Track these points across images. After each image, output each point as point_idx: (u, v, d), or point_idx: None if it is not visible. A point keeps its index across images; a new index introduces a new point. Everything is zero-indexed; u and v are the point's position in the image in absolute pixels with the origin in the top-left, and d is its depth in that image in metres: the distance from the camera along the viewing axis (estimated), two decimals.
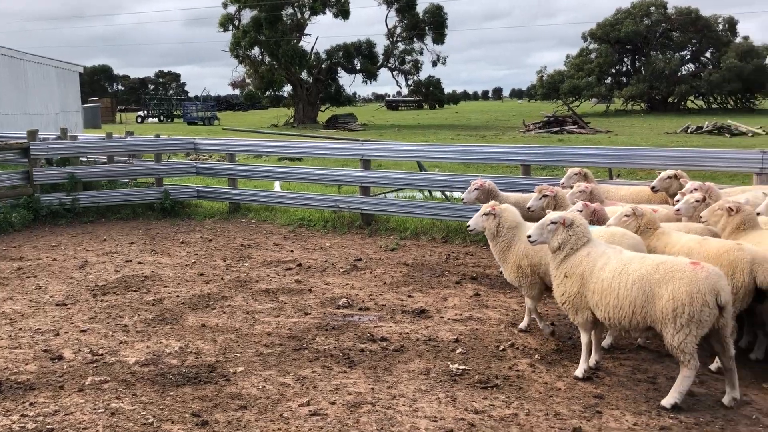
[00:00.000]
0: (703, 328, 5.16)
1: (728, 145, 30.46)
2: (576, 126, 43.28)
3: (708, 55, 63.87)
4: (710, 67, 61.56)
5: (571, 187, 8.80)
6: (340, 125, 48.55)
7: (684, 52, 63.81)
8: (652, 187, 8.77)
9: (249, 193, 14.48)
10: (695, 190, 7.85)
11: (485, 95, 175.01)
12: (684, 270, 5.25)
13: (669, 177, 8.77)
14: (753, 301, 6.08)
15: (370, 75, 60.04)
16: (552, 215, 6.12)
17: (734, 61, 57.63)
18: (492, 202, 7.26)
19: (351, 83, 72.39)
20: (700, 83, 59.69)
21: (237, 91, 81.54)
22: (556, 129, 42.57)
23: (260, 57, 57.17)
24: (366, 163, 12.45)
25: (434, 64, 58.05)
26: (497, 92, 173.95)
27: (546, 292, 7.13)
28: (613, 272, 5.63)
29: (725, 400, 5.48)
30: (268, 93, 62.51)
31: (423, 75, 61.20)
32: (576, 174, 9.25)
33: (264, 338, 7.12)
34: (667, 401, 5.42)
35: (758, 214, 6.98)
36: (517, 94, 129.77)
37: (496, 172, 14.85)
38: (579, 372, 6.05)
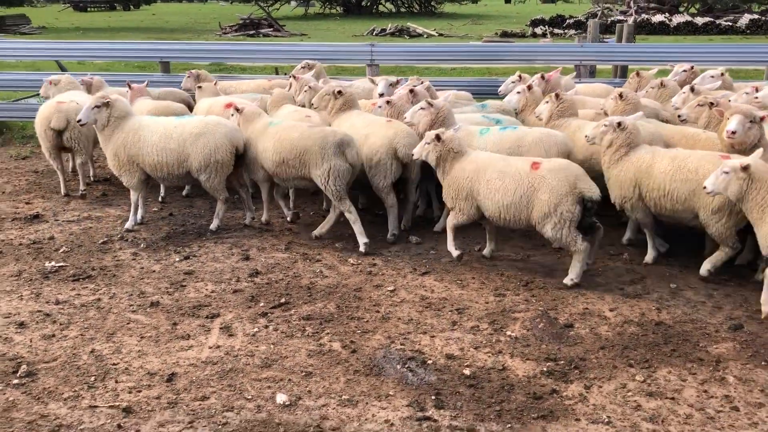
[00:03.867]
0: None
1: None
2: (272, 29, 43.23)
3: None
4: None
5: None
6: (8, 28, 42.14)
7: None
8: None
9: None
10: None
11: None
12: None
13: (303, 67, 9.38)
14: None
15: None
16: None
17: None
18: (101, 93, 7.26)
19: None
20: None
21: None
22: (252, 32, 42.09)
23: None
24: None
25: None
26: None
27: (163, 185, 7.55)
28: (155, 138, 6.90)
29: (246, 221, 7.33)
30: None
31: None
32: (188, 76, 9.38)
33: None
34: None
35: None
36: None
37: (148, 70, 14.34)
38: (129, 224, 7.23)
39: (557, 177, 5.61)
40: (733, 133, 5.76)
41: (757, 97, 7.39)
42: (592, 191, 5.65)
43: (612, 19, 35.57)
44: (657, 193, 5.84)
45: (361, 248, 6.54)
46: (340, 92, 7.45)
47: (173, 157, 6.83)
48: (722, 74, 8.53)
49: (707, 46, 12.84)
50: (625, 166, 6.02)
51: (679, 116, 7.02)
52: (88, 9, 75.71)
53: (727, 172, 5.14)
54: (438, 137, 6.09)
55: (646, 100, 8.31)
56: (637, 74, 9.01)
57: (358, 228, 6.61)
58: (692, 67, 8.59)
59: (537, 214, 5.67)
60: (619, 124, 6.03)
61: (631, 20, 39.45)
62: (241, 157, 7.06)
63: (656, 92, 8.45)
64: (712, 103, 6.81)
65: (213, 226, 7.16)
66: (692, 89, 7.50)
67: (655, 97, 8.39)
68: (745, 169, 5.07)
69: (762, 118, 5.79)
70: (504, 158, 6.03)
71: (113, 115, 6.92)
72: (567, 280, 5.82)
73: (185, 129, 6.86)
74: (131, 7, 66.40)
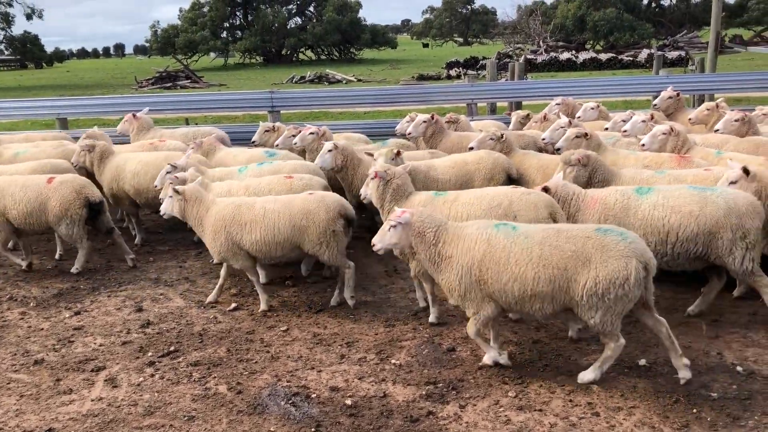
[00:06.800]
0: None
1: None
2: (190, 81, 43.19)
3: (312, 8, 68.90)
4: (314, 20, 66.58)
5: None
6: None
7: (290, 6, 67.77)
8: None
9: None
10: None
11: (107, 52, 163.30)
12: None
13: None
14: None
15: None
16: None
17: (333, 14, 63.23)
18: None
19: None
20: (307, 36, 64.27)
21: None
22: (169, 84, 41.93)
23: None
24: None
25: (29, 17, 51.81)
26: (119, 48, 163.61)
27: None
28: None
29: None
30: None
31: (18, 30, 54.28)
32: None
33: None
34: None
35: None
36: (141, 50, 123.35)
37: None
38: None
39: (66, 186, 7.10)
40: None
41: (626, 130, 7.94)
42: (95, 195, 7.25)
43: (522, 58, 37.15)
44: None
45: None
46: (93, 146, 8.33)
47: None
48: (598, 106, 9.16)
49: (587, 80, 13.75)
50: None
51: (557, 149, 7.48)
52: None
53: (170, 194, 6.22)
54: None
55: (531, 131, 8.85)
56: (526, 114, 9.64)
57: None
58: (563, 100, 9.19)
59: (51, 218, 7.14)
60: (179, 189, 6.27)
61: (540, 59, 41.63)
62: None
63: (539, 125, 9.01)
64: (586, 134, 7.33)
65: None
66: (570, 123, 8.01)
67: (539, 129, 8.93)
68: (181, 192, 6.17)
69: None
70: None
71: None
72: (73, 269, 7.39)
73: None
74: (44, 65, 65.01)
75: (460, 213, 5.71)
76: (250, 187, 6.84)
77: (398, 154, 7.07)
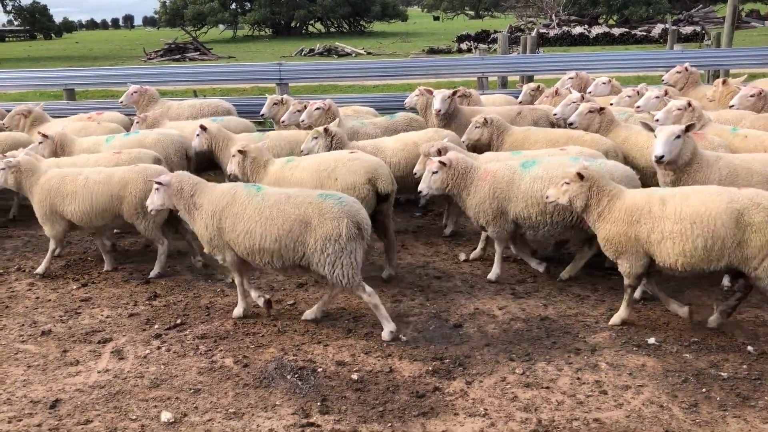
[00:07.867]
0: None
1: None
2: (198, 53, 42.94)
3: None
4: None
5: None
6: None
7: None
8: None
9: None
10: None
11: (116, 23, 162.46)
12: None
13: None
14: None
15: None
16: None
17: None
18: None
19: None
20: (316, 8, 63.58)
21: None
22: (178, 56, 41.71)
23: None
24: None
25: None
26: (128, 20, 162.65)
27: None
28: None
29: None
30: None
31: (26, 1, 53.97)
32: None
33: None
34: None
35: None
36: (150, 21, 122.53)
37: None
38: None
39: None
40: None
41: (639, 106, 7.79)
42: None
43: (534, 31, 36.64)
44: None
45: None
46: (30, 111, 8.93)
47: None
48: (610, 81, 9.00)
49: (600, 54, 13.59)
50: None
51: (570, 124, 7.35)
52: (6, 39, 73.53)
53: (3, 167, 6.49)
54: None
55: (543, 106, 8.72)
56: (538, 88, 9.47)
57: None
58: (577, 74, 9.03)
59: None
60: (13, 161, 6.59)
61: (552, 33, 41.05)
62: None
63: (551, 100, 8.87)
64: (600, 109, 7.21)
65: None
66: (582, 98, 7.86)
67: (551, 103, 8.79)
68: (15, 164, 6.44)
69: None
70: None
71: None
72: None
73: None
74: (52, 36, 64.70)
75: (298, 177, 6.19)
76: (88, 161, 7.02)
77: (326, 131, 7.01)
